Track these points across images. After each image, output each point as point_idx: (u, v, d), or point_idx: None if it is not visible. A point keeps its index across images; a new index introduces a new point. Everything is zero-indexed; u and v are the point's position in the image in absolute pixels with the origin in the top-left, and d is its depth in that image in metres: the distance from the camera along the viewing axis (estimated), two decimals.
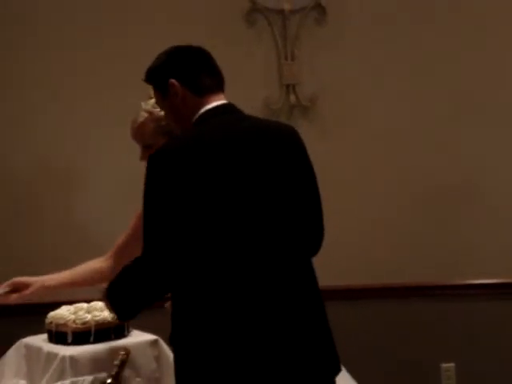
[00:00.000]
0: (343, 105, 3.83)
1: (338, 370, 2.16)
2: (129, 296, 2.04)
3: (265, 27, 3.86)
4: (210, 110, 2.15)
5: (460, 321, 3.80)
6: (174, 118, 2.21)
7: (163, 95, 2.20)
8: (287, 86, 3.85)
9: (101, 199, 3.72)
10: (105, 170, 3.72)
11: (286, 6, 3.82)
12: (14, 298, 2.49)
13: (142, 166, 2.16)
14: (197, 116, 2.15)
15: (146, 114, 2.58)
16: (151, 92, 2.52)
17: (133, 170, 2.53)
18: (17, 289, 2.50)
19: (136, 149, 2.58)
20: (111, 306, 2.08)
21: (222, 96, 2.20)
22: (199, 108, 2.16)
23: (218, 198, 2.01)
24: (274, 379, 2.00)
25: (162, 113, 2.42)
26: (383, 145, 3.84)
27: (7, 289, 2.48)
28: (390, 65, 3.82)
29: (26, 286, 2.50)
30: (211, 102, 2.16)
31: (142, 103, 2.62)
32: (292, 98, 3.84)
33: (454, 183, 3.82)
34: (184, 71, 2.18)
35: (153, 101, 2.54)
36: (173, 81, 2.16)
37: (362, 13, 3.83)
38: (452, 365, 3.83)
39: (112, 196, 3.67)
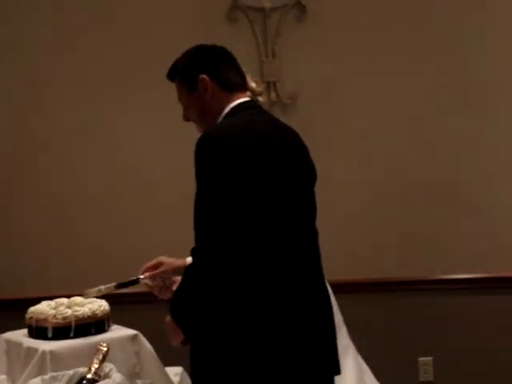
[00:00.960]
0: (323, 102, 3.86)
1: (338, 372, 2.22)
2: (192, 308, 2.09)
3: (245, 25, 3.88)
4: (241, 103, 2.24)
5: (437, 315, 3.84)
6: (200, 113, 2.27)
7: (190, 90, 2.27)
8: (268, 83, 3.88)
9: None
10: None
11: (267, 4, 3.85)
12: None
13: None
14: (228, 109, 2.23)
15: None
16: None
17: None
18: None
19: None
20: (178, 324, 2.12)
21: (246, 93, 2.31)
22: (227, 103, 2.24)
23: (264, 189, 2.10)
24: (286, 374, 2.07)
25: None
26: (363, 142, 3.87)
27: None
28: (369, 62, 3.85)
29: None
30: (239, 97, 2.26)
31: None
32: (273, 95, 3.87)
33: (435, 181, 3.86)
34: (214, 67, 2.26)
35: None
36: (204, 76, 2.24)
37: (342, 10, 3.86)
38: (429, 359, 3.88)
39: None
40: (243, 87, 2.31)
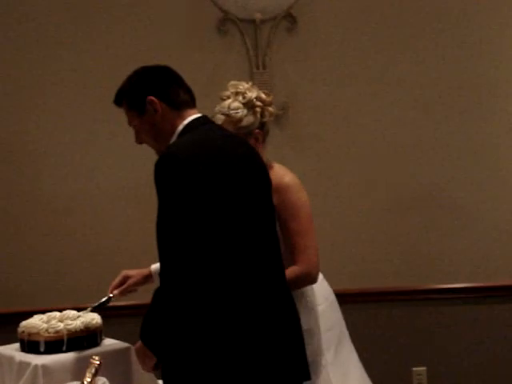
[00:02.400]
0: (314, 113, 3.87)
1: (308, 377, 2.25)
2: (161, 333, 2.12)
3: (236, 37, 3.89)
4: (194, 120, 2.24)
5: (431, 325, 3.84)
6: (152, 135, 2.27)
7: (140, 114, 2.26)
8: None
9: None
10: None
11: (257, 16, 3.86)
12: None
13: None
14: (181, 127, 2.23)
15: (223, 117, 2.61)
16: (224, 93, 2.55)
17: None
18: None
19: None
20: (150, 348, 2.16)
21: (196, 110, 2.31)
22: (179, 121, 2.24)
23: (225, 204, 2.10)
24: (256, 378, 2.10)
25: (239, 114, 2.52)
26: (355, 153, 3.88)
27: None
28: (360, 73, 3.87)
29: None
30: (190, 115, 2.26)
31: (217, 106, 2.63)
32: None
33: (431, 190, 3.86)
34: (161, 87, 2.26)
35: (227, 102, 2.60)
36: (151, 97, 2.24)
37: (332, 22, 3.87)
38: (423, 368, 3.87)
39: None
40: (193, 104, 2.31)
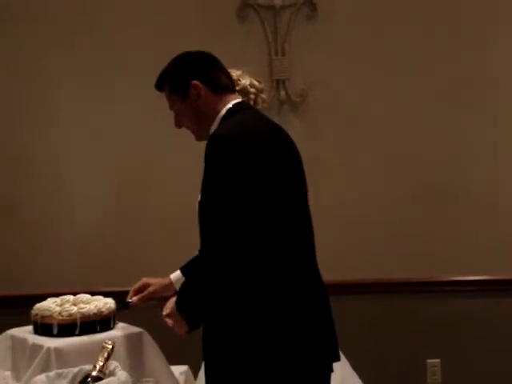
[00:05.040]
0: (333, 100, 3.84)
1: (338, 358, 2.28)
2: (199, 304, 2.13)
3: (256, 23, 3.87)
4: (236, 104, 2.27)
5: (446, 317, 3.82)
6: (194, 118, 2.29)
7: (183, 98, 2.28)
8: (277, 82, 3.86)
9: None
10: None
11: (277, 2, 3.83)
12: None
13: None
14: (224, 112, 2.25)
15: None
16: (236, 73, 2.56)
17: None
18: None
19: None
20: (183, 317, 2.15)
21: (236, 95, 2.34)
22: (222, 106, 2.27)
23: (275, 187, 2.14)
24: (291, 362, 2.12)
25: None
26: (373, 141, 3.85)
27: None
28: (379, 60, 3.83)
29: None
30: (231, 99, 2.29)
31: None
32: (282, 93, 3.86)
33: (446, 181, 3.83)
34: (204, 72, 2.28)
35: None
36: (195, 82, 2.25)
37: (353, 8, 3.84)
38: (437, 361, 3.85)
39: None
40: (233, 89, 2.34)
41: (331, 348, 2.25)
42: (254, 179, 2.09)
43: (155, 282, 2.61)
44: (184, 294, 2.17)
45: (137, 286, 2.61)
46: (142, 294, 2.59)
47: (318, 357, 2.20)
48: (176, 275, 2.56)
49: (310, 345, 2.16)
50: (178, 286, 2.49)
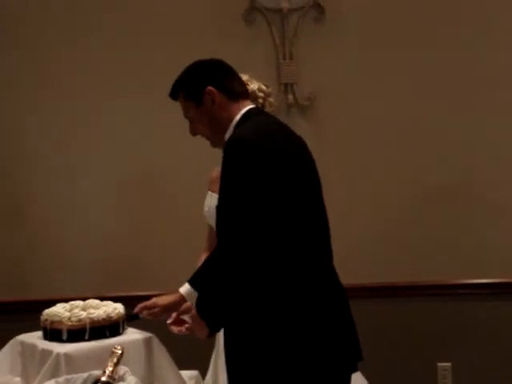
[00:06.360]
0: (341, 104, 3.83)
1: (361, 357, 2.29)
2: (219, 306, 2.13)
3: (263, 26, 3.86)
4: (250, 109, 2.29)
5: (456, 320, 3.79)
6: (209, 125, 2.31)
7: (197, 104, 2.30)
8: (285, 85, 3.85)
9: None
10: None
11: (285, 5, 3.82)
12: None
13: None
14: (239, 117, 2.27)
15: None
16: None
17: None
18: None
19: None
20: (203, 319, 2.14)
21: (249, 101, 2.36)
22: (237, 111, 2.29)
23: (291, 190, 2.16)
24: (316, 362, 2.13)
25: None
26: (380, 144, 3.83)
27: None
28: (387, 64, 3.82)
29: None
30: (245, 105, 2.31)
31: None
32: (290, 97, 3.85)
33: (449, 183, 3.81)
34: (218, 78, 2.30)
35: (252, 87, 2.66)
36: (210, 88, 2.27)
37: (360, 12, 3.82)
38: (448, 364, 3.83)
39: None
40: (246, 95, 2.36)
41: (354, 347, 2.26)
42: (271, 182, 2.11)
43: (161, 303, 2.58)
44: (204, 296, 2.17)
45: (146, 304, 2.60)
46: (153, 310, 2.58)
47: (342, 356, 2.20)
48: (187, 290, 2.50)
49: (334, 345, 2.17)
50: (189, 300, 2.47)
